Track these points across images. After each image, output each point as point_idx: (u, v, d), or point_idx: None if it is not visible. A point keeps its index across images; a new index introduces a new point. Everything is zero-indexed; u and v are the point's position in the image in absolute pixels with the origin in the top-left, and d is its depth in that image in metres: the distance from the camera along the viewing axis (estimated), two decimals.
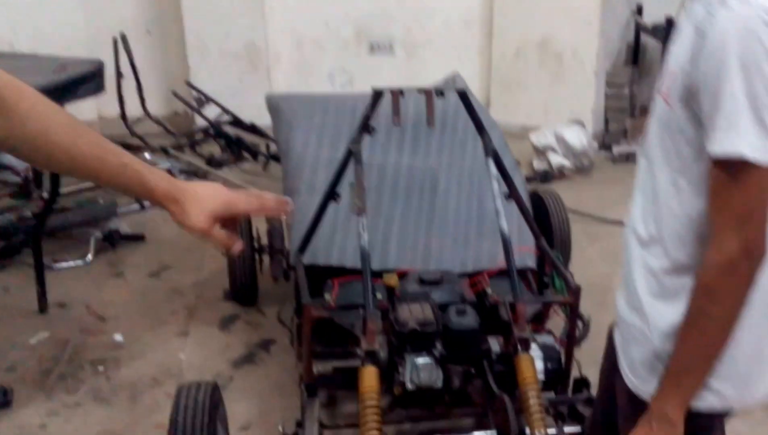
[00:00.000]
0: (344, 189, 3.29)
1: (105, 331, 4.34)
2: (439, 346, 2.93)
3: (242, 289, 4.49)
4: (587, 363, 3.25)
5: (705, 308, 1.57)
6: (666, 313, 1.71)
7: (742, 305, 1.55)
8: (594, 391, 3.05)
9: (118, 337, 4.26)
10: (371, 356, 2.79)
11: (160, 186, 1.45)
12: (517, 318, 2.94)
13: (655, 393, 1.69)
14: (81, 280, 4.95)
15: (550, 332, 3.28)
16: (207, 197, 1.49)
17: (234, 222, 1.55)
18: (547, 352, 3.10)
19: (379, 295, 3.28)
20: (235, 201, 1.53)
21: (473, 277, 3.53)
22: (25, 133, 1.30)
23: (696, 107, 1.54)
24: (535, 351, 3.02)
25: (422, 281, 3.27)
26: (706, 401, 1.71)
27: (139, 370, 3.95)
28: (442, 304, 3.07)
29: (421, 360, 2.89)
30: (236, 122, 6.83)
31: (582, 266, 4.46)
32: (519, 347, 2.88)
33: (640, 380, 1.80)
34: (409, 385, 2.88)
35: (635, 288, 1.79)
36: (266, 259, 4.49)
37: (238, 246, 1.54)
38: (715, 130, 1.48)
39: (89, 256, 5.21)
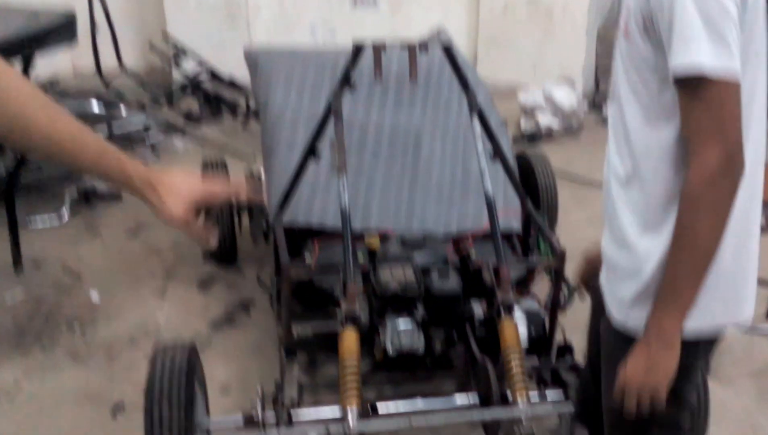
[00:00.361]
0: (325, 147, 3.26)
1: (81, 290, 4.31)
2: (420, 309, 2.93)
3: (221, 249, 4.46)
4: (572, 329, 3.26)
5: (692, 222, 1.61)
6: (654, 245, 1.75)
7: (727, 216, 1.60)
8: (578, 357, 3.08)
9: (95, 297, 4.24)
10: (352, 319, 2.79)
11: (138, 172, 1.47)
12: (501, 282, 2.93)
13: (650, 314, 1.71)
14: (56, 239, 4.91)
15: (534, 297, 3.28)
16: (184, 187, 1.52)
17: (210, 209, 1.57)
18: (531, 317, 3.11)
19: (360, 257, 3.28)
20: (212, 190, 1.56)
21: (457, 239, 3.53)
22: (1, 113, 1.29)
23: (655, 34, 1.62)
24: (518, 316, 3.03)
25: (404, 243, 3.26)
26: (696, 321, 1.74)
27: (115, 329, 3.94)
28: (425, 267, 3.06)
29: (403, 324, 2.90)
30: (215, 77, 6.75)
31: (569, 230, 4.46)
32: (502, 312, 2.88)
33: (632, 317, 1.81)
34: (390, 350, 2.89)
35: (620, 226, 1.82)
36: (246, 218, 4.46)
37: (213, 241, 1.62)
38: (672, 50, 1.56)
39: (65, 214, 5.18)
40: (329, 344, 2.86)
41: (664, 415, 1.81)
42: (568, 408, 2.62)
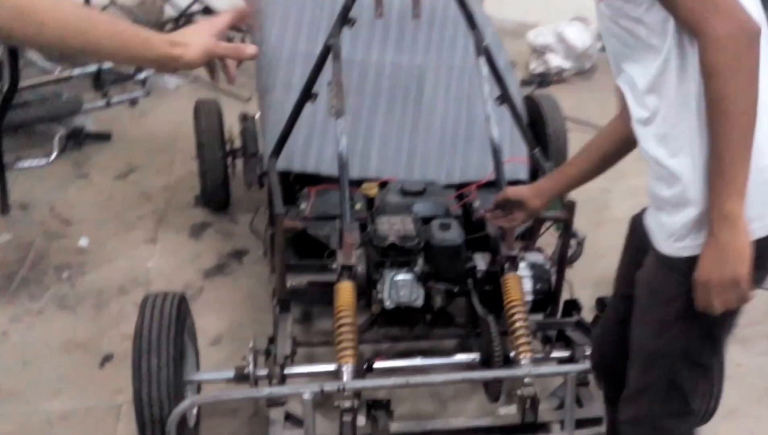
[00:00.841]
0: (322, 88, 3.16)
1: (69, 235, 4.26)
2: (420, 262, 2.88)
3: (214, 194, 4.39)
4: (580, 284, 3.22)
5: (720, 93, 1.59)
6: (689, 165, 1.74)
7: (754, 78, 1.58)
8: (585, 314, 3.03)
9: (84, 242, 4.19)
10: (348, 271, 2.74)
11: (158, 36, 1.45)
12: (505, 234, 2.87)
13: (710, 208, 1.68)
14: (44, 181, 4.84)
15: (540, 251, 3.22)
16: (204, 25, 1.55)
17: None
18: (537, 272, 3.05)
19: (358, 206, 3.22)
20: (223, 21, 1.59)
21: (460, 188, 3.45)
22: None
23: None
24: (523, 270, 2.98)
25: (404, 192, 3.19)
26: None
27: (105, 277, 3.89)
28: (425, 218, 3.00)
29: (401, 277, 2.84)
30: (208, 11, 6.60)
31: None
32: (506, 266, 2.83)
33: (685, 247, 1.78)
34: (388, 303, 2.84)
35: (656, 162, 1.81)
36: (240, 163, 4.39)
37: (251, 48, 1.59)
38: None
39: (53, 155, 5.09)
40: (325, 296, 2.81)
41: (697, 354, 1.84)
42: (574, 368, 2.57)
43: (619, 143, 2.17)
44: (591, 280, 3.73)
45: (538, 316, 3.07)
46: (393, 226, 2.88)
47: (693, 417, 2.00)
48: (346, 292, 2.69)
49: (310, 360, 3.22)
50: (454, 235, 2.87)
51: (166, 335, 2.53)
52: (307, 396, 2.39)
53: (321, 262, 3.07)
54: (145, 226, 4.36)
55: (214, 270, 3.98)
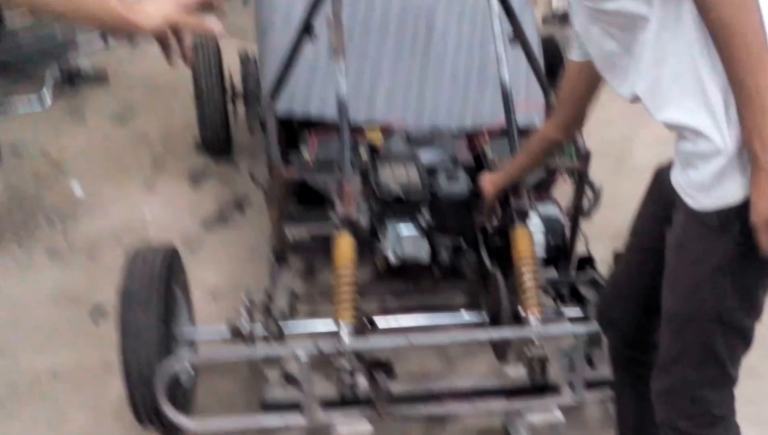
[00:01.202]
0: (323, 25, 3.02)
1: (63, 182, 4.20)
2: (425, 214, 2.78)
3: (214, 140, 4.30)
4: (596, 237, 3.10)
5: (721, 19, 1.55)
6: (711, 115, 1.67)
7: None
8: (601, 268, 2.94)
9: (77, 190, 4.12)
10: (348, 224, 2.65)
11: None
12: (516, 186, 2.76)
13: (748, 141, 1.60)
14: (38, 125, 4.76)
15: (555, 202, 3.10)
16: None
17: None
18: (550, 225, 2.95)
19: (363, 153, 3.11)
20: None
21: (471, 135, 3.32)
22: None
23: None
24: (536, 223, 2.87)
25: (410, 140, 3.07)
26: None
27: (98, 227, 3.83)
28: (431, 167, 2.89)
29: (406, 231, 2.75)
30: None
31: (598, 127, 4.18)
32: (516, 219, 2.73)
33: (716, 196, 1.70)
34: (392, 258, 2.75)
35: (675, 123, 1.74)
36: (242, 106, 4.27)
37: (216, 26, 1.53)
38: None
39: (47, 98, 5.01)
40: (326, 248, 2.72)
41: (733, 315, 1.77)
42: (584, 328, 2.48)
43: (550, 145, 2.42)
44: (608, 232, 3.60)
45: (552, 271, 2.96)
46: (397, 176, 2.79)
47: (731, 385, 1.88)
48: (345, 246, 2.61)
49: (312, 315, 3.14)
50: (461, 185, 2.77)
51: (154, 291, 2.45)
52: (303, 357, 2.32)
53: (324, 212, 2.98)
54: (143, 173, 4.28)
55: (214, 220, 3.91)
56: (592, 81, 2.11)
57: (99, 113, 4.86)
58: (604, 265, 2.99)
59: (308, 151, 3.24)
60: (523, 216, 2.73)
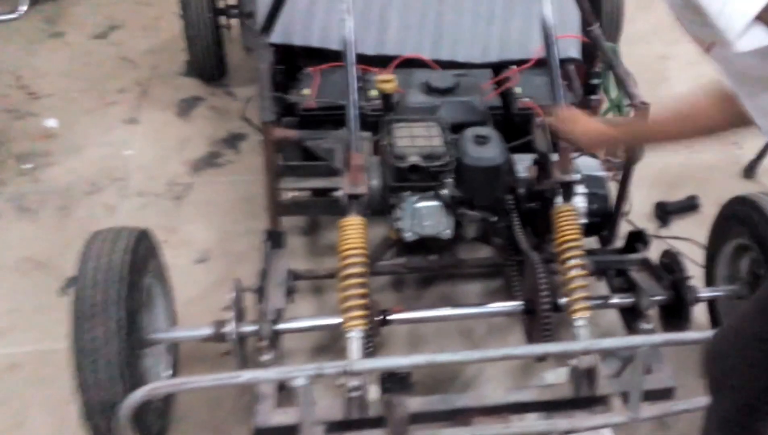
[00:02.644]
0: None
1: (36, 112, 3.62)
2: (449, 183, 2.21)
3: (205, 63, 3.70)
4: (633, 183, 2.49)
5: None
6: None
7: None
8: (642, 221, 2.40)
9: (51, 122, 3.55)
10: (356, 201, 2.09)
11: None
12: (560, 151, 2.19)
13: None
14: (11, 40, 4.17)
15: (595, 156, 2.53)
16: None
17: None
18: (592, 187, 2.40)
19: (373, 94, 2.52)
20: None
21: (498, 70, 2.72)
22: None
23: None
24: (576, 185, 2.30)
25: (430, 89, 2.49)
26: None
27: (74, 170, 3.27)
28: (457, 124, 2.30)
29: (425, 204, 2.19)
30: None
31: (631, 44, 3.55)
32: (560, 194, 2.16)
33: None
34: (408, 235, 2.21)
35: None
36: (236, 23, 3.65)
37: None
38: None
39: (22, 6, 4.38)
40: (333, 206, 2.20)
41: None
42: (647, 340, 1.95)
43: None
44: (647, 178, 3.06)
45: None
46: (415, 140, 2.22)
47: None
48: (354, 230, 2.08)
49: (317, 291, 2.63)
50: (492, 151, 2.20)
51: (115, 292, 1.91)
52: (302, 381, 1.80)
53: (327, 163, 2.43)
54: (126, 101, 3.71)
55: (204, 160, 3.35)
56: None
57: (79, 28, 4.26)
58: (643, 216, 2.43)
59: (309, 88, 2.68)
60: (569, 192, 2.16)
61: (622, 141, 2.16)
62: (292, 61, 2.85)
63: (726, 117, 1.60)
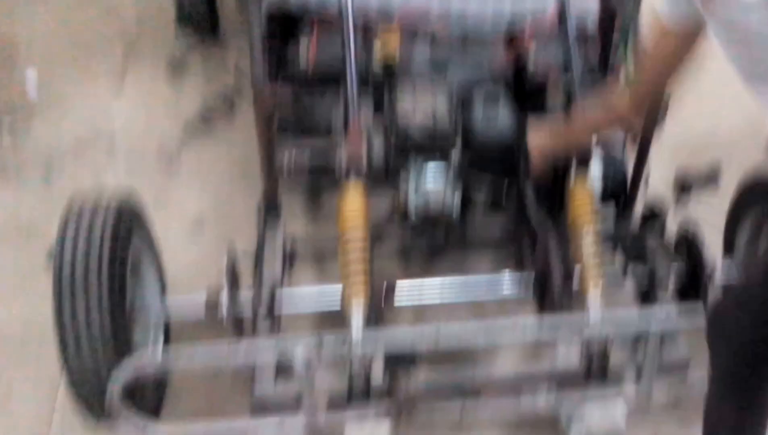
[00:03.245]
0: None
1: (15, 69, 3.64)
2: (457, 148, 2.25)
3: (195, 15, 3.70)
4: (653, 148, 2.53)
5: None
6: None
7: None
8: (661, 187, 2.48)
9: (32, 81, 3.55)
10: (356, 168, 2.14)
11: None
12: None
13: None
14: None
15: None
16: None
17: None
18: (609, 153, 2.44)
19: (375, 51, 2.55)
20: None
21: (511, 34, 2.74)
22: None
23: None
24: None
25: (435, 48, 2.50)
26: None
27: (57, 131, 3.31)
28: (465, 90, 2.34)
29: (431, 182, 2.25)
30: None
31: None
32: (574, 167, 2.21)
33: None
34: (413, 216, 2.27)
35: None
36: None
37: None
38: None
39: None
40: (330, 172, 2.25)
41: None
42: (665, 316, 2.01)
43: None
44: (667, 144, 3.08)
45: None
46: (419, 105, 2.26)
47: None
48: (354, 198, 2.13)
49: (319, 259, 2.68)
50: (503, 114, 2.23)
51: (96, 261, 1.95)
52: (301, 353, 1.86)
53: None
54: (113, 56, 3.73)
55: (197, 122, 3.38)
56: (689, 55, 1.82)
57: None
58: (664, 182, 2.54)
59: (308, 45, 2.69)
60: (585, 164, 2.21)
61: (563, 147, 2.27)
62: (290, 18, 2.86)
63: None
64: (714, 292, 2.18)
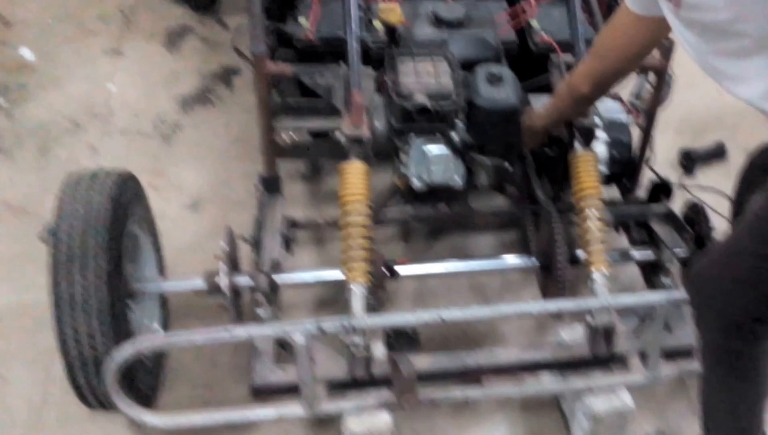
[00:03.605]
0: None
1: (10, 42, 3.57)
2: (459, 126, 2.19)
3: None
4: (658, 128, 2.48)
5: None
6: None
7: None
8: (666, 170, 2.40)
9: (27, 53, 3.50)
10: (357, 146, 2.09)
11: None
12: None
13: None
14: None
15: (617, 98, 2.50)
16: None
17: None
18: (615, 133, 2.39)
19: (376, 24, 2.49)
20: None
21: (514, 2, 2.69)
22: None
23: None
24: (598, 132, 2.29)
25: (438, 20, 2.44)
26: None
27: (52, 105, 3.25)
28: (467, 61, 2.28)
29: (434, 149, 2.18)
30: None
31: None
32: (579, 140, 2.15)
33: None
34: (416, 183, 2.21)
35: None
36: None
37: None
38: None
39: None
40: (336, 149, 2.20)
41: None
42: (667, 296, 1.96)
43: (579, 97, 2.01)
44: (672, 122, 3.04)
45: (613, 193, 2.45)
46: (422, 78, 2.21)
47: None
48: (355, 176, 2.09)
49: (319, 241, 2.64)
50: (506, 91, 2.19)
51: (94, 238, 1.90)
52: (300, 339, 1.82)
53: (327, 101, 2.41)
54: (108, 31, 3.65)
55: (195, 97, 3.33)
56: (652, 42, 1.81)
57: None
58: (668, 164, 2.42)
59: (306, 18, 2.62)
60: (589, 137, 2.15)
61: (547, 124, 2.20)
62: None
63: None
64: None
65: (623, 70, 1.88)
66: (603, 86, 1.93)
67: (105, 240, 1.91)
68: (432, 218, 2.51)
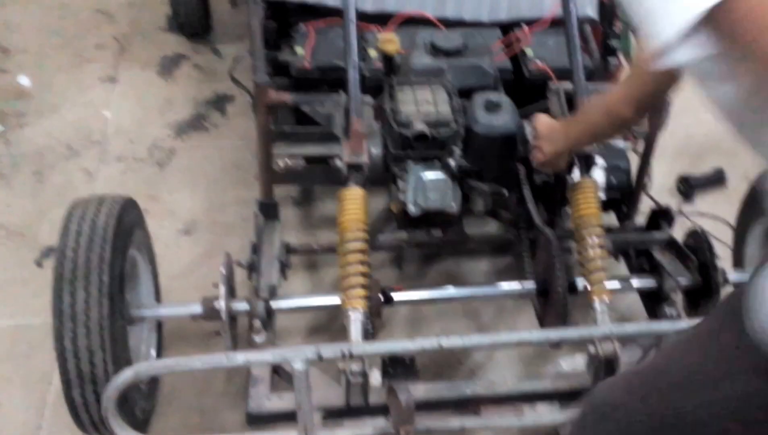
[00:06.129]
0: None
1: (8, 70, 3.52)
2: (457, 153, 2.15)
3: (189, 16, 3.63)
4: (655, 155, 2.45)
5: None
6: None
7: None
8: (664, 197, 2.36)
9: (25, 80, 3.46)
10: (356, 173, 2.04)
11: None
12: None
13: None
14: None
15: None
16: None
17: None
18: (613, 160, 2.34)
19: (372, 54, 2.46)
20: None
21: (507, 30, 2.66)
22: None
23: None
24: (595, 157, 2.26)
25: (435, 50, 2.41)
26: None
27: (49, 132, 3.19)
28: (465, 89, 2.24)
29: (431, 175, 2.13)
30: None
31: None
32: (577, 166, 2.11)
33: None
34: (413, 209, 2.15)
35: None
36: None
37: None
38: None
39: None
40: (330, 175, 2.16)
41: None
42: (671, 326, 1.91)
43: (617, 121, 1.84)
44: (670, 149, 3.00)
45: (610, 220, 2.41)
46: (420, 106, 2.16)
47: None
48: (354, 202, 2.03)
49: (312, 267, 2.59)
50: (504, 118, 2.14)
51: (98, 257, 1.86)
52: (299, 365, 1.75)
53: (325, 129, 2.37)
54: (104, 59, 3.61)
55: (189, 123, 3.28)
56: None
57: None
58: (666, 191, 2.48)
59: (303, 47, 2.60)
60: (589, 163, 2.11)
61: (567, 147, 2.04)
62: (285, 17, 2.77)
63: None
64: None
65: (666, 90, 1.79)
66: (647, 108, 1.84)
67: (107, 257, 1.87)
68: (426, 243, 2.46)
